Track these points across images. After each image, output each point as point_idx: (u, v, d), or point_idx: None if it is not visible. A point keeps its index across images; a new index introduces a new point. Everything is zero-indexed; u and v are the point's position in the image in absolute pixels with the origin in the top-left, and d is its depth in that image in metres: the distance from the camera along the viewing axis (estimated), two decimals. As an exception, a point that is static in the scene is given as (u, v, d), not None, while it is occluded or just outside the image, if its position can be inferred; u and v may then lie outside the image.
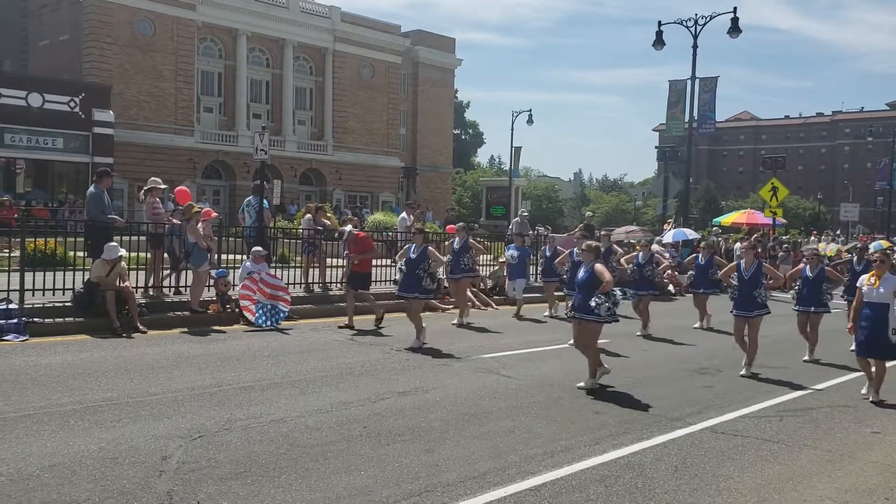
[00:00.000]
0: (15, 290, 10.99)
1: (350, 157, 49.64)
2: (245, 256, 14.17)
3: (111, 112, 35.12)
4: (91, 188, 12.44)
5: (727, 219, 37.18)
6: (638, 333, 13.45)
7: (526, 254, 16.76)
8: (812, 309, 11.75)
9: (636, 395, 8.64)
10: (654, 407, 8.14)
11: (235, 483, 5.34)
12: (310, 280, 15.19)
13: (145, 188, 13.57)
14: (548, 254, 15.59)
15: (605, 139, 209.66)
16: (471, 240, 14.90)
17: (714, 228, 35.68)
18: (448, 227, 24.01)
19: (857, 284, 8.93)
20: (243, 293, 12.56)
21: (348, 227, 13.41)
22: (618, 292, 8.73)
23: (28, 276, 11.24)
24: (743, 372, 10.11)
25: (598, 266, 8.69)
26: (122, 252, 11.74)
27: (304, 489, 5.30)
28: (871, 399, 8.82)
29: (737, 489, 5.77)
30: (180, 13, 41.57)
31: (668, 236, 25.16)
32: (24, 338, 10.25)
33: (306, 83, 49.09)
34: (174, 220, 13.40)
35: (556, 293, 15.77)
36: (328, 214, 18.18)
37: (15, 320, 10.46)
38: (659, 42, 28.45)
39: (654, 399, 8.47)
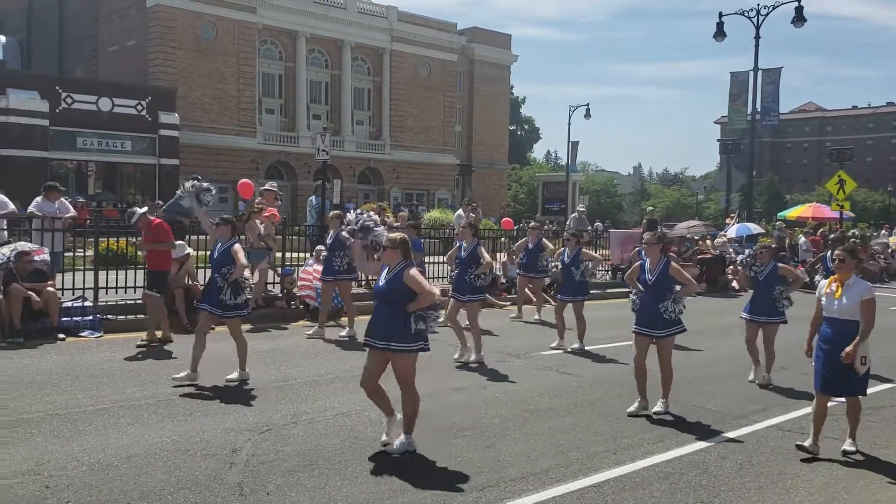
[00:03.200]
0: (90, 289, 11.45)
1: (407, 155, 49.99)
2: (308, 255, 14.45)
3: (176, 115, 36.12)
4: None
5: (792, 213, 36.23)
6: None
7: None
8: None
9: (697, 393, 8.52)
10: (716, 405, 8.04)
11: (303, 475, 5.49)
12: (369, 277, 15.39)
13: (261, 189, 14.14)
14: (530, 245, 13.73)
15: (666, 132, 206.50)
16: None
17: (778, 223, 34.82)
18: (504, 220, 24.04)
19: (816, 293, 6.61)
20: (302, 284, 12.92)
21: (141, 209, 10.90)
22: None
23: (101, 274, 11.70)
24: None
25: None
26: (190, 251, 12.16)
27: (369, 482, 5.42)
28: (845, 448, 6.46)
29: (804, 487, 5.67)
30: (241, 16, 42.45)
31: (732, 231, 24.65)
32: (99, 334, 10.67)
33: (364, 83, 49.59)
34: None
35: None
36: (388, 214, 18.39)
37: (90, 317, 10.90)
38: (720, 33, 27.90)
39: (716, 397, 8.36)
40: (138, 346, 9.88)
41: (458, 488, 5.38)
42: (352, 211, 11.56)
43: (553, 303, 15.56)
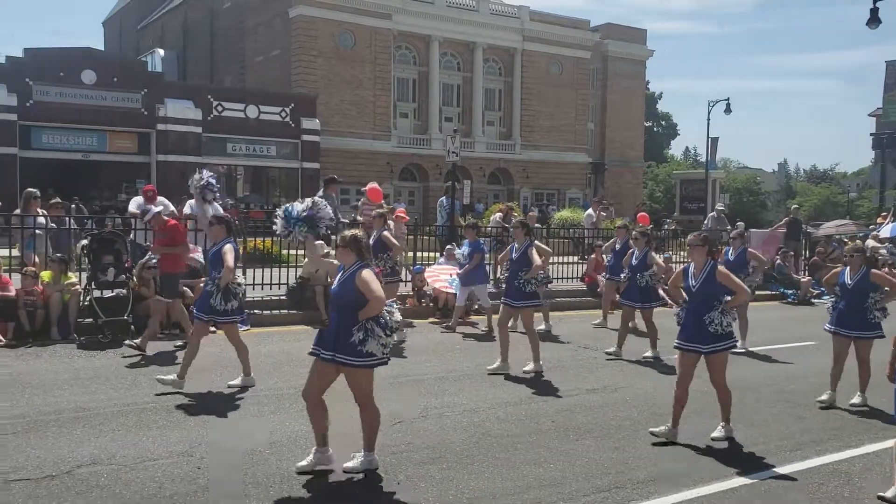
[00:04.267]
0: (239, 285, 12.22)
1: (537, 154, 49.82)
2: (438, 254, 14.77)
3: (317, 120, 37.74)
4: (319, 193, 13.67)
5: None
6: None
7: (477, 248, 12.08)
8: None
9: (841, 402, 8.05)
10: (863, 414, 7.58)
11: (432, 467, 5.67)
12: (498, 276, 15.55)
13: (364, 189, 14.63)
14: (617, 247, 12.07)
15: (814, 127, 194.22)
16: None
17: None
18: (640, 216, 23.45)
19: None
20: (430, 279, 13.30)
21: (157, 208, 10.26)
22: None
23: (248, 272, 12.47)
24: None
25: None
26: (330, 249, 12.71)
27: (495, 477, 5.53)
28: None
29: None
30: (378, 23, 43.76)
31: (886, 230, 22.96)
32: (247, 328, 11.35)
33: (495, 84, 49.86)
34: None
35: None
36: (516, 214, 18.46)
37: (239, 312, 11.65)
38: (874, 20, 25.96)
39: (862, 405, 7.87)
40: (127, 346, 9.24)
41: (582, 487, 5.39)
42: (201, 172, 10.91)
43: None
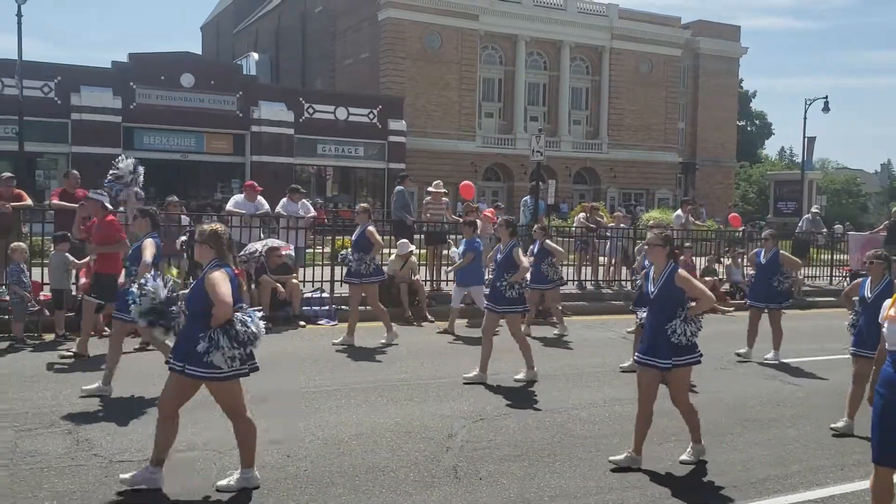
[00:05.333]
0: (326, 281, 12.59)
1: (625, 154, 49.06)
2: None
3: (404, 122, 38.28)
4: (398, 186, 14.38)
5: None
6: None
7: (471, 247, 11.14)
8: None
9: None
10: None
11: (513, 464, 5.72)
12: (582, 277, 15.43)
13: (430, 190, 14.76)
14: (762, 260, 10.40)
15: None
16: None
17: None
18: (731, 216, 22.85)
19: (880, 319, 4.60)
20: None
21: (98, 196, 8.95)
22: None
23: (336, 269, 12.78)
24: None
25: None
26: (413, 248, 12.96)
27: (576, 477, 5.53)
28: None
29: None
30: (465, 24, 44.00)
31: None
32: (334, 322, 11.70)
33: (582, 83, 49.37)
34: (454, 217, 14.47)
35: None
36: (601, 214, 18.25)
37: (326, 307, 12.02)
38: None
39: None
40: (63, 358, 8.63)
41: (663, 491, 5.34)
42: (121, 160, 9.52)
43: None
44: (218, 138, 34.03)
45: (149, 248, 7.12)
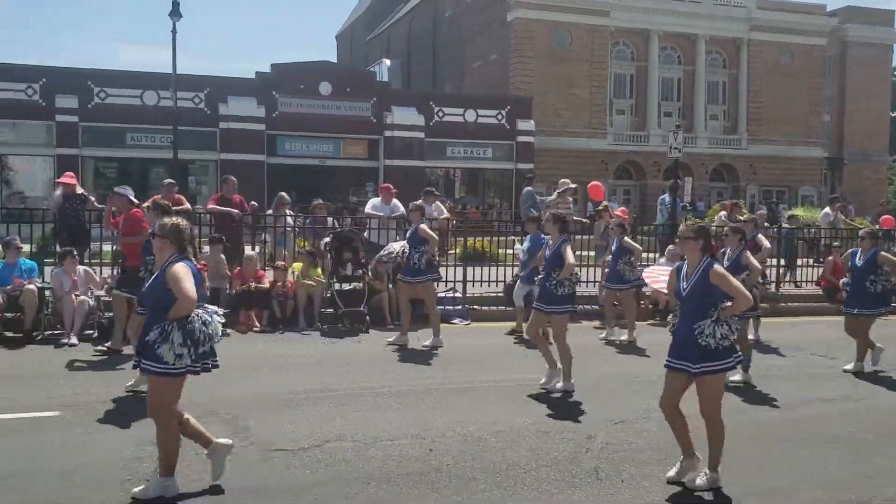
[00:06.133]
0: (459, 281, 12.80)
1: (766, 149, 46.80)
2: (658, 255, 14.43)
3: (532, 121, 38.19)
4: (526, 187, 14.36)
5: None
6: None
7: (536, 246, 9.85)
8: None
9: None
10: None
11: (655, 467, 5.64)
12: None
13: (558, 190, 14.65)
14: (859, 262, 9.26)
15: None
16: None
17: None
18: (883, 218, 21.33)
19: None
20: (648, 280, 12.99)
21: (126, 192, 9.10)
22: None
23: (468, 269, 12.98)
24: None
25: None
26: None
27: (721, 480, 5.38)
28: None
29: None
30: (595, 21, 43.40)
31: None
32: (467, 322, 11.90)
33: (718, 76, 47.55)
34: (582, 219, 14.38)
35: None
36: (743, 211, 17.53)
37: (459, 307, 12.23)
38: None
39: None
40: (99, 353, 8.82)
41: (815, 498, 5.12)
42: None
43: None
44: (353, 144, 35.21)
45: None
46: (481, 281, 13.15)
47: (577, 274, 8.03)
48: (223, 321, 4.92)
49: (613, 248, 11.17)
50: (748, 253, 8.52)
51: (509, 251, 14.86)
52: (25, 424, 6.33)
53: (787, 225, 15.93)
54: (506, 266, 13.65)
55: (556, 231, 7.96)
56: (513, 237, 15.54)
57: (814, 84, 48.50)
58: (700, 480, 5.24)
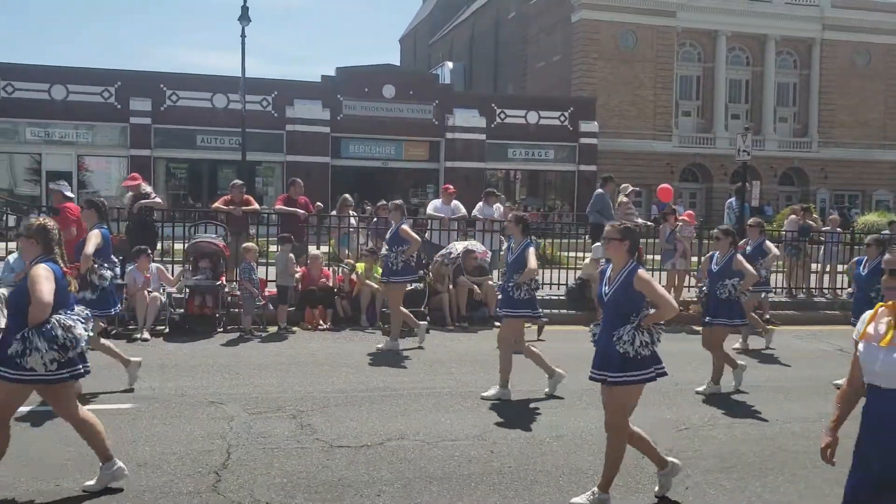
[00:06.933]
0: (521, 284, 12.74)
1: (838, 152, 45.28)
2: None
3: (595, 123, 37.80)
4: (598, 189, 14.00)
5: None
6: None
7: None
8: None
9: None
10: None
11: (721, 476, 5.54)
12: (792, 284, 14.50)
13: (624, 193, 14.48)
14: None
15: None
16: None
17: None
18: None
19: (854, 335, 3.78)
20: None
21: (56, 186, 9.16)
22: None
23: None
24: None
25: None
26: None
27: (791, 493, 5.28)
28: None
29: None
30: (661, 22, 42.73)
31: None
32: (528, 324, 11.83)
33: (789, 78, 46.23)
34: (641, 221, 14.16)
35: None
36: (814, 216, 17.03)
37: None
38: None
39: None
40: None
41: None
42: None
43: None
44: (415, 146, 35.44)
45: (92, 240, 6.99)
46: (542, 284, 13.04)
47: (536, 280, 7.68)
48: (89, 329, 4.73)
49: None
50: (740, 257, 8.24)
51: (571, 254, 14.78)
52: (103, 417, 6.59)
53: (886, 232, 14.85)
54: (568, 269, 13.58)
55: (520, 233, 7.62)
56: (573, 239, 15.43)
57: (891, 85, 46.73)
58: (582, 499, 4.87)
